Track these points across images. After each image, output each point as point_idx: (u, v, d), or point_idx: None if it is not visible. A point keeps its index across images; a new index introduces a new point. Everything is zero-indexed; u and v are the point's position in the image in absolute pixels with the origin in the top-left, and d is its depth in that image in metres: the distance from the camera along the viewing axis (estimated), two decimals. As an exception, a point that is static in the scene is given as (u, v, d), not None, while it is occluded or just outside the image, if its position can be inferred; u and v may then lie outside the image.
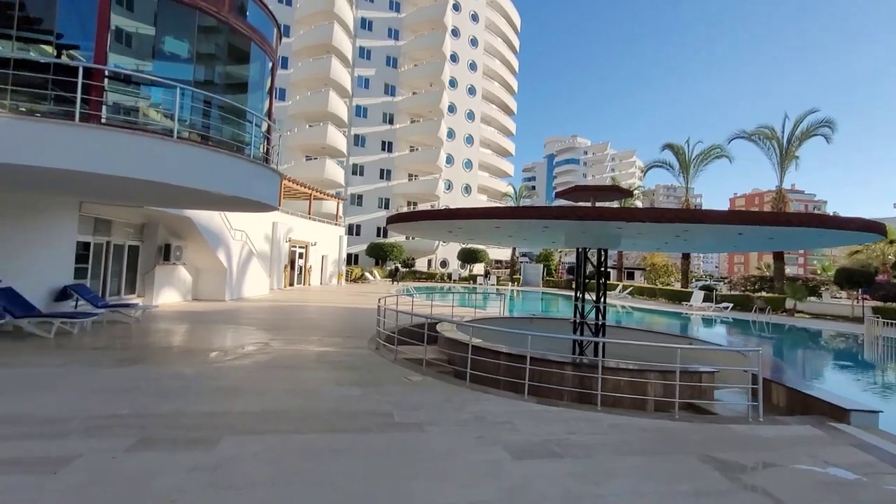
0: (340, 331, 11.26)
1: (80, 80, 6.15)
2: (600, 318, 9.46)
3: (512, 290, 31.77)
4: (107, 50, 6.66)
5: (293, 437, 4.42)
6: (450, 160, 49.78)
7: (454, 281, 43.09)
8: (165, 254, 14.10)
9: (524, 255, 57.42)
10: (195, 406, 5.12)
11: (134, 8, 7.25)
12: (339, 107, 40.91)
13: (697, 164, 31.07)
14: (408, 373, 7.17)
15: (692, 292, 26.82)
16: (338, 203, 33.25)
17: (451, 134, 49.58)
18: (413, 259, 43.52)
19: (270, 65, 9.38)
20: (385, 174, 46.25)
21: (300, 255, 26.23)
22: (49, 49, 6.84)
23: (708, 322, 20.89)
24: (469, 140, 52.38)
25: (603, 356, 7.86)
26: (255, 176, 8.43)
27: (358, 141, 44.86)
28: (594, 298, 9.48)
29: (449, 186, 49.93)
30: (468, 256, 46.06)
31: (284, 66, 41.95)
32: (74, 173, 6.33)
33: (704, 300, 24.59)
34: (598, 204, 9.52)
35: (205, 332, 10.06)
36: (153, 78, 7.46)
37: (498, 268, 59.74)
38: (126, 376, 6.18)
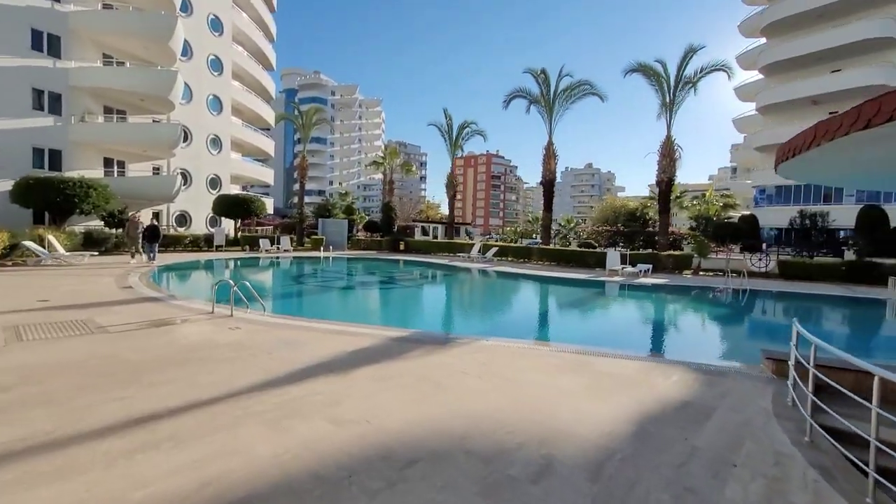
0: None
1: None
2: None
3: (324, 258, 19.39)
4: None
5: None
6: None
7: (217, 248, 26.14)
8: None
9: (292, 206, 41.26)
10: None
11: None
12: None
13: (563, 100, 26.13)
14: None
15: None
16: None
17: None
18: (128, 210, 23.70)
19: None
20: (44, 41, 23.06)
21: None
22: None
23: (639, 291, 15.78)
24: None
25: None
26: None
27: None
28: None
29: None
30: (231, 208, 29.28)
31: None
32: None
33: (621, 262, 20.05)
34: None
35: None
36: None
37: (260, 225, 43.62)
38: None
